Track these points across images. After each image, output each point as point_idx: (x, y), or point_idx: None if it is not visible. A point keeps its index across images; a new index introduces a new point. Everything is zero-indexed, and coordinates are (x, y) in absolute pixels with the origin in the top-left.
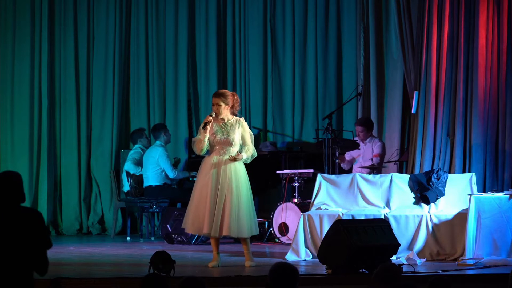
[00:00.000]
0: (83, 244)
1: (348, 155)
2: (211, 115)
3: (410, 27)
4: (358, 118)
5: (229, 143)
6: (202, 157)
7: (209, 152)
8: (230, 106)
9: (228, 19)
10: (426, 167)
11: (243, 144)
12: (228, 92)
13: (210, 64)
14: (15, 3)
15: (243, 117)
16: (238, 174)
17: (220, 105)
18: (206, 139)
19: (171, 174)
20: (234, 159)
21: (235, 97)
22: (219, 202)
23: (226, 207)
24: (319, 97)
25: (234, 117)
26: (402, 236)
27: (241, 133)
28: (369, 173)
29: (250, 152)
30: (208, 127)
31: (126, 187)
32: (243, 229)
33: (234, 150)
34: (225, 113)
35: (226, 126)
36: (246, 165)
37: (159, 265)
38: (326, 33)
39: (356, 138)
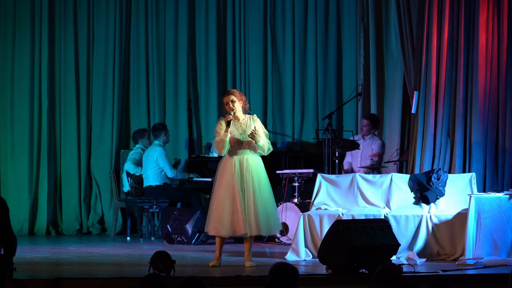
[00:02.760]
0: (83, 244)
1: (348, 155)
2: (230, 114)
3: (410, 27)
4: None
5: (248, 141)
6: (203, 157)
7: (228, 152)
8: (242, 103)
9: (228, 19)
10: (426, 167)
11: None
12: (236, 90)
13: (210, 64)
14: (15, 3)
15: (255, 114)
16: (260, 172)
17: (235, 101)
18: (228, 138)
19: (170, 173)
20: (252, 136)
21: (243, 96)
22: (248, 202)
23: (255, 207)
24: (319, 97)
25: (247, 115)
26: (402, 236)
27: (256, 129)
28: (369, 173)
29: (266, 145)
30: (229, 126)
31: (126, 187)
32: (273, 226)
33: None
34: (239, 110)
35: (242, 125)
36: None
37: (159, 265)
38: (326, 33)
39: (356, 137)
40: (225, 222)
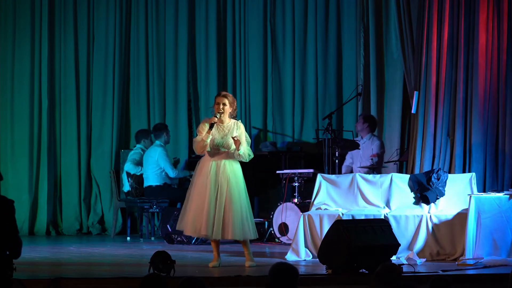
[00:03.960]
0: (83, 244)
1: (348, 157)
2: (216, 116)
3: (410, 27)
4: (367, 113)
5: (227, 146)
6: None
7: (208, 154)
8: (232, 108)
9: (228, 19)
10: (426, 167)
11: None
12: (231, 94)
13: (210, 64)
14: (15, 3)
15: (240, 120)
16: (238, 176)
17: (226, 105)
18: (209, 140)
19: (172, 173)
20: (236, 142)
21: (235, 102)
22: (219, 205)
23: (229, 210)
24: (319, 97)
25: (232, 120)
26: (402, 236)
27: (239, 135)
28: (369, 173)
29: (246, 152)
30: (212, 129)
31: (126, 187)
32: (248, 231)
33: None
34: (226, 114)
35: (225, 129)
36: (246, 164)
37: (159, 265)
38: (326, 33)
39: (357, 138)
40: (188, 221)
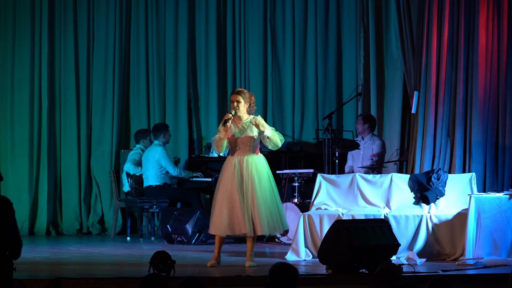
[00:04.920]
0: (83, 244)
1: (350, 158)
2: (230, 113)
3: (410, 27)
4: (366, 113)
5: (248, 141)
6: (203, 157)
7: (230, 153)
8: (248, 104)
9: (228, 19)
10: (426, 167)
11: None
12: (246, 91)
13: (210, 64)
14: (15, 3)
15: (259, 115)
16: (260, 172)
17: (240, 102)
18: (226, 137)
19: (173, 171)
20: (255, 125)
21: (252, 97)
22: (247, 202)
23: (254, 207)
24: (319, 97)
25: (250, 116)
26: (402, 236)
27: (257, 122)
28: (369, 173)
29: (276, 135)
30: (228, 124)
31: (126, 187)
32: (276, 226)
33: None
34: (243, 111)
35: (244, 125)
36: None
37: (159, 265)
38: (326, 33)
39: (357, 138)
40: (223, 222)
